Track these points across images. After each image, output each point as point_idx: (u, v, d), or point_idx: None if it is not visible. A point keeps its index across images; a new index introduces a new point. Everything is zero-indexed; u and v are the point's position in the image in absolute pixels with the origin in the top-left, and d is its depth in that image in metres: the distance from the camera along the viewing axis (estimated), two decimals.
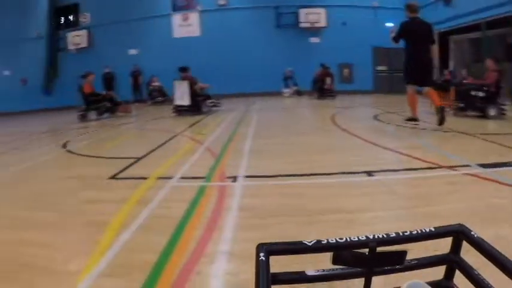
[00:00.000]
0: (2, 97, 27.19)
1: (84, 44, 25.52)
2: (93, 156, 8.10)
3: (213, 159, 6.55)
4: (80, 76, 16.74)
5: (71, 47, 25.98)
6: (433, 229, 1.55)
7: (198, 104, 14.66)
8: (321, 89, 18.93)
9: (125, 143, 9.97)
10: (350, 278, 1.57)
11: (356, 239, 1.47)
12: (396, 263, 1.49)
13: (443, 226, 1.60)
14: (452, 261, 1.62)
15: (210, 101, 15.23)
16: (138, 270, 2.83)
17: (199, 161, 6.51)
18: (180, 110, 14.67)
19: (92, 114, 16.40)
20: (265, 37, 22.20)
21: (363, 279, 1.52)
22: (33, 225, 4.28)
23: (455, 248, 1.61)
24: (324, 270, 1.55)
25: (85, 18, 25.51)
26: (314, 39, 22.15)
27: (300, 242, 1.48)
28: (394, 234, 1.50)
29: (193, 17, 22.54)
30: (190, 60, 20.10)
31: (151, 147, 8.16)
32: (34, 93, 26.63)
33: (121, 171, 6.29)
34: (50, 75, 26.82)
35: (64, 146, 9.87)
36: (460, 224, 1.59)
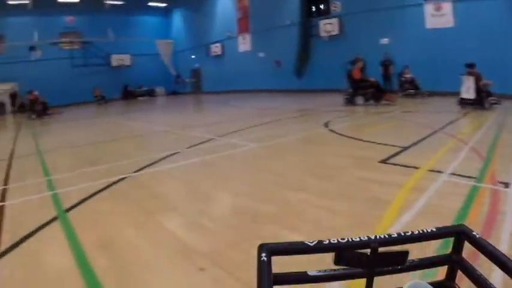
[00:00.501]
0: (257, 76, 30.23)
1: (335, 32, 26.28)
2: (356, 139, 8.88)
3: (481, 161, 6.34)
4: (347, 61, 17.83)
5: (322, 34, 27.03)
6: (434, 229, 1.54)
7: (482, 100, 14.35)
8: None
9: (385, 131, 10.30)
10: (352, 279, 1.57)
11: (358, 239, 1.48)
12: (398, 263, 1.50)
13: (444, 226, 1.58)
14: (454, 262, 1.61)
15: (491, 98, 14.48)
16: None
17: (466, 161, 6.42)
18: (465, 103, 14.69)
19: (358, 100, 17.17)
20: None
21: (365, 279, 1.53)
22: (312, 189, 5.15)
23: (457, 248, 1.60)
24: (325, 271, 1.57)
25: (336, 6, 26.28)
26: None
27: (302, 243, 1.51)
28: (395, 235, 1.50)
29: (447, 7, 21.51)
30: (441, 53, 20.23)
31: (413, 139, 8.35)
32: (286, 75, 29.04)
33: (390, 157, 6.78)
34: (302, 59, 28.41)
35: (326, 125, 10.97)
36: (461, 224, 1.58)
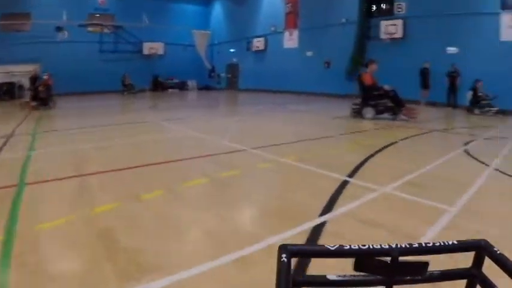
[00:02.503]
0: (303, 77, 29.96)
1: (398, 35, 26.28)
2: None
3: None
4: (364, 64, 16.38)
5: (383, 36, 27.01)
6: (456, 242, 1.65)
7: None
8: None
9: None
10: (371, 286, 1.69)
11: (379, 246, 1.61)
12: (418, 273, 1.63)
13: (466, 240, 1.69)
14: (474, 276, 1.71)
15: None
16: None
17: None
18: None
19: (367, 112, 15.77)
20: None
21: (383, 287, 1.66)
22: None
23: (477, 262, 1.70)
24: (345, 276, 1.71)
25: (400, 7, 26.21)
26: None
27: (323, 246, 1.64)
28: (416, 245, 1.63)
29: None
30: None
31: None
32: (336, 77, 28.86)
33: None
34: (355, 61, 28.24)
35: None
36: (482, 239, 1.67)
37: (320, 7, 29.71)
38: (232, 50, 40.32)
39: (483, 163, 8.48)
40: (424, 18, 24.66)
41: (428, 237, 4.34)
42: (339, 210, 5.34)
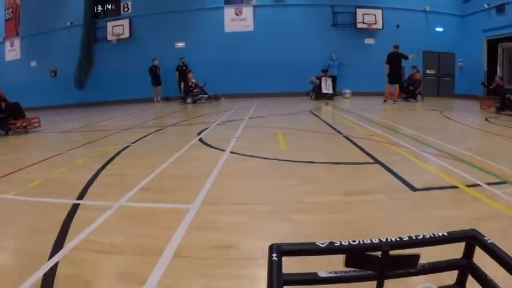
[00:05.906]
0: (29, 90, 27.08)
1: (125, 35, 25.98)
2: None
3: None
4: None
5: (110, 37, 26.35)
6: (446, 234, 1.69)
7: (335, 93, 22.35)
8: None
9: None
10: (362, 281, 1.70)
11: (369, 241, 1.62)
12: (409, 266, 1.65)
13: (456, 231, 1.74)
14: (465, 266, 1.77)
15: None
16: None
17: None
18: (324, 96, 21.67)
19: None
20: (321, 36, 24.16)
21: (375, 282, 1.66)
22: None
23: (468, 253, 1.75)
24: (336, 272, 1.70)
25: (126, 7, 26.07)
26: (369, 40, 24.49)
27: (313, 243, 1.64)
28: (407, 238, 1.64)
29: (247, 12, 23.50)
30: (241, 57, 22.90)
31: None
32: (65, 86, 27.09)
33: None
34: (83, 67, 27.17)
35: None
36: (472, 229, 1.73)
37: (43, 10, 27.44)
38: None
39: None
40: (151, 16, 25.02)
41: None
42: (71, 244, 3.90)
